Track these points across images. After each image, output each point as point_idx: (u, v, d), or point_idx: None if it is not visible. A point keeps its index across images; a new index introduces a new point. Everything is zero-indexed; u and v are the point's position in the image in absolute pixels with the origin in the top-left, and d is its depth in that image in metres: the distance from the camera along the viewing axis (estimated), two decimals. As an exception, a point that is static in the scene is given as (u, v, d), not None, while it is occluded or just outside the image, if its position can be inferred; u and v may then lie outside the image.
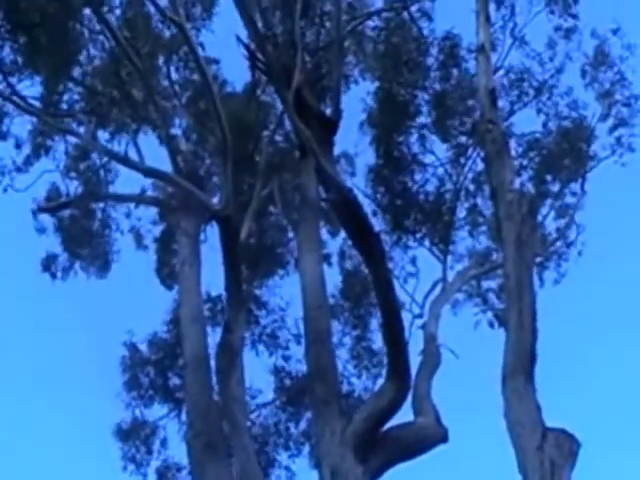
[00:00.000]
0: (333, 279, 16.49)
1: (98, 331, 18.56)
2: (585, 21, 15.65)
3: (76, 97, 14.68)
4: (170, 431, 16.83)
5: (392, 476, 10.59)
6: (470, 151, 16.11)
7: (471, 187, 16.40)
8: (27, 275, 18.07)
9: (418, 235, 16.12)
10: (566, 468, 8.17)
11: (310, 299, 11.55)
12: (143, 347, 17.06)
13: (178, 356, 15.65)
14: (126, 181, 15.67)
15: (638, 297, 19.02)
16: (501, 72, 15.41)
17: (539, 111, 16.09)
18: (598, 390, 19.95)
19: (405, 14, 15.82)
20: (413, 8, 15.74)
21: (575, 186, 16.30)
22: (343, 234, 15.55)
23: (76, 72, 14.30)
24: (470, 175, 16.25)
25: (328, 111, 12.00)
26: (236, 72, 15.67)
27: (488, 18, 11.81)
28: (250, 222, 13.48)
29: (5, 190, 14.73)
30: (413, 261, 16.54)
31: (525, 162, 16.10)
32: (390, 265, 14.89)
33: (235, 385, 11.84)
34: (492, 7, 13.95)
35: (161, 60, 15.29)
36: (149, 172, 12.79)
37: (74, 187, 16.26)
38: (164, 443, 16.88)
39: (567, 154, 16.10)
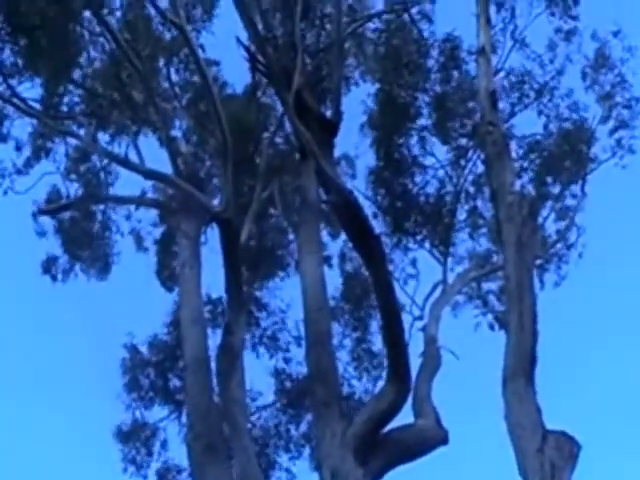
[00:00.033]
0: (333, 281, 16.51)
1: (98, 333, 18.59)
2: (585, 23, 15.69)
3: (76, 99, 14.67)
4: (170, 433, 16.88)
5: (392, 478, 10.59)
6: (470, 153, 16.10)
7: (471, 189, 16.39)
8: (27, 277, 18.08)
9: (418, 237, 16.11)
10: (566, 470, 8.18)
11: (310, 301, 11.53)
12: (143, 349, 17.06)
13: (178, 358, 15.65)
14: (126, 183, 15.71)
15: (638, 299, 19.04)
16: (501, 74, 15.42)
17: (540, 113, 16.08)
18: (598, 392, 19.95)
19: (405, 16, 15.83)
20: (413, 10, 15.75)
21: (575, 188, 16.30)
22: (343, 236, 15.57)
23: (76, 74, 14.29)
24: (470, 177, 16.25)
25: (328, 113, 12.04)
26: (236, 74, 15.70)
27: (488, 20, 11.84)
28: (250, 224, 13.45)
29: (5, 192, 14.73)
30: (413, 263, 16.54)
31: (525, 164, 16.08)
32: (390, 267, 14.88)
33: (235, 387, 11.84)
34: (492, 9, 14.03)
35: (161, 62, 15.28)
36: (149, 174, 12.78)
37: (74, 189, 16.31)
38: (164, 445, 16.88)
39: (568, 156, 16.09)
